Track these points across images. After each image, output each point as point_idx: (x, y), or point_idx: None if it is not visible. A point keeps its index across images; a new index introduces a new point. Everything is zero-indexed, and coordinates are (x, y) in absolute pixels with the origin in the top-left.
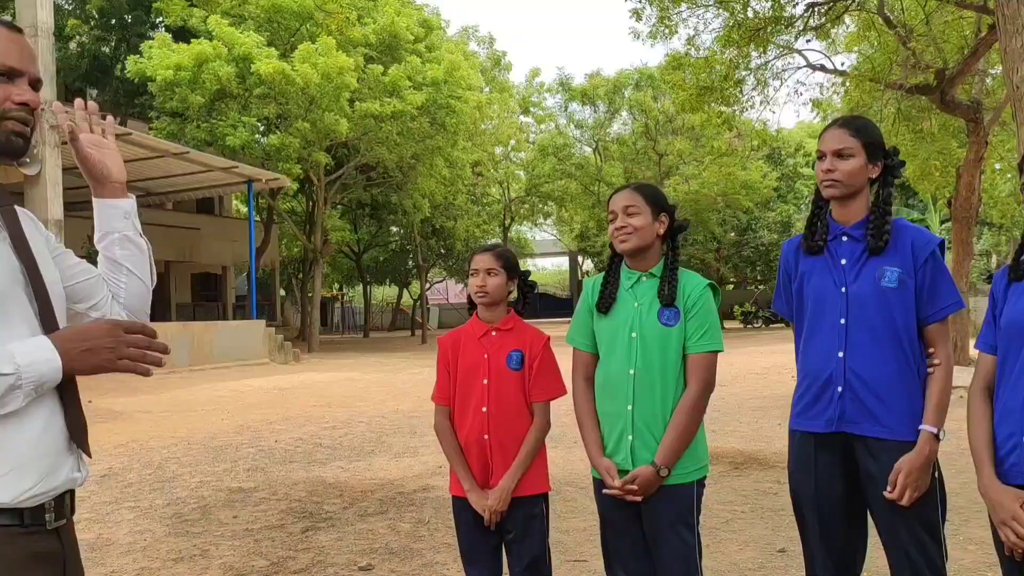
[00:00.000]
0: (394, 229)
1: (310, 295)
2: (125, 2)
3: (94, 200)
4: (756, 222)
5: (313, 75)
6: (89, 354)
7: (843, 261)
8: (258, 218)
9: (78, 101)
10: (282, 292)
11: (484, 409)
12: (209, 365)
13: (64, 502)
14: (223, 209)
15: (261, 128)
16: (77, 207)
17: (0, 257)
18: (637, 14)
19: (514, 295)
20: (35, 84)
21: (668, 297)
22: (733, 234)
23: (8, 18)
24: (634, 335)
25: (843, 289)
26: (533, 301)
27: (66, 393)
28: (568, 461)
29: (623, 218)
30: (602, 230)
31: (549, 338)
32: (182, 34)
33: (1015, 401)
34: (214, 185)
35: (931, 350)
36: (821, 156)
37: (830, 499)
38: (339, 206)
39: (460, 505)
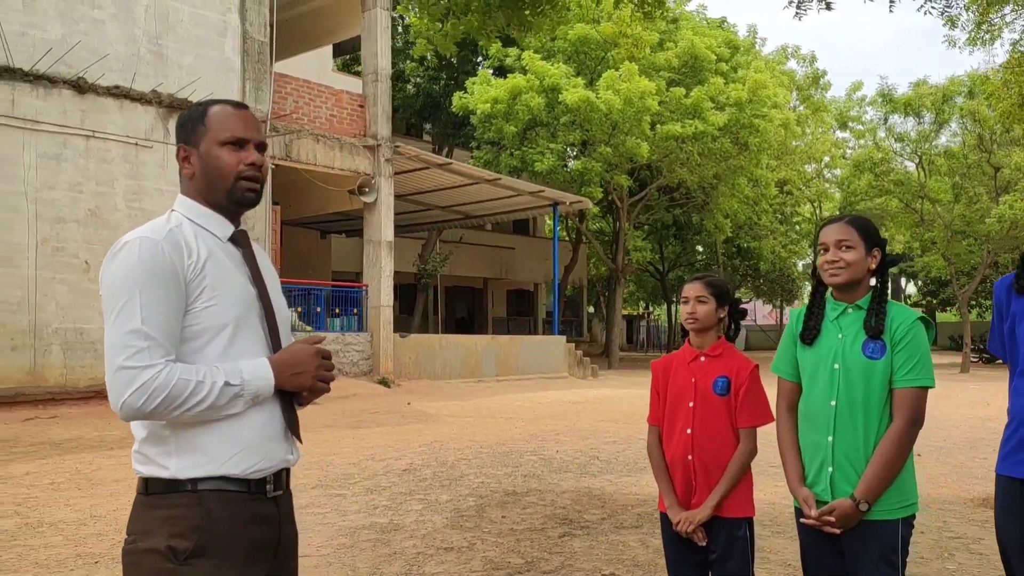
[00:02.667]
0: (699, 249)
1: (613, 313)
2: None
3: None
4: None
5: (615, 101)
6: (297, 376)
7: None
8: (567, 238)
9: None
10: (590, 309)
11: (689, 431)
12: (513, 376)
13: (281, 477)
14: (536, 230)
15: (571, 153)
16: (405, 229)
17: (240, 288)
18: (951, 21)
19: (724, 322)
20: (260, 147)
21: (875, 330)
22: None
23: (237, 99)
24: (837, 367)
25: None
26: None
27: (283, 397)
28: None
29: (835, 252)
30: (926, 251)
31: (757, 366)
32: (501, 71)
33: None
34: (523, 208)
35: None
36: None
37: None
38: (644, 226)
39: (666, 521)
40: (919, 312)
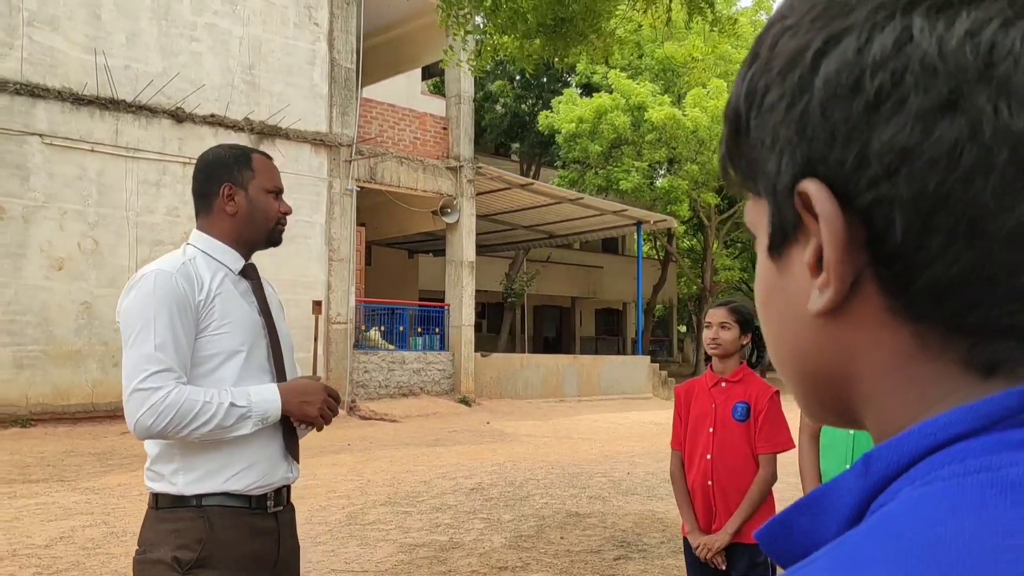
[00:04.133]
0: None
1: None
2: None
3: None
4: None
5: (703, 118)
6: (304, 405)
7: None
8: (656, 256)
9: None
10: (682, 328)
11: (708, 456)
12: (595, 396)
13: (281, 494)
14: (625, 248)
15: (658, 171)
16: (487, 249)
17: (248, 318)
18: None
19: (747, 349)
20: (281, 193)
21: None
22: None
23: (263, 150)
24: None
25: None
26: None
27: (284, 421)
28: None
29: None
30: None
31: (777, 392)
32: (588, 89)
33: None
34: (607, 228)
35: None
36: None
37: None
38: (738, 243)
39: (688, 545)
40: None
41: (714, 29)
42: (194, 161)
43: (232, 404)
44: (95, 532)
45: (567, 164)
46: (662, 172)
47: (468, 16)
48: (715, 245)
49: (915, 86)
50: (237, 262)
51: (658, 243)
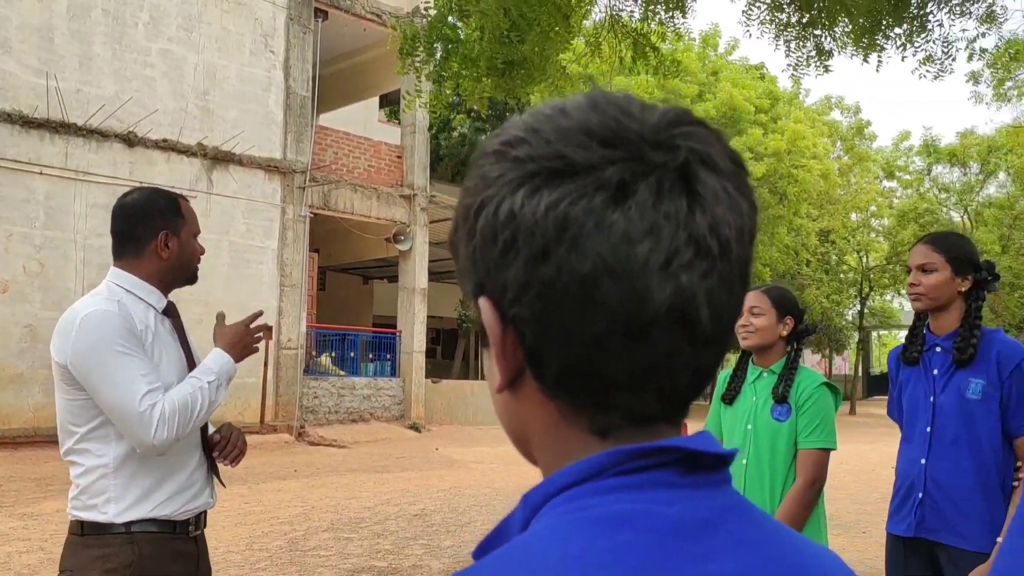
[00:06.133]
0: None
1: None
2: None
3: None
4: None
5: None
6: (243, 349)
7: (935, 371)
8: None
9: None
10: None
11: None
12: None
13: (200, 519)
14: None
15: None
16: (443, 276)
17: (173, 353)
18: (974, 77)
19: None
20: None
21: (780, 395)
22: None
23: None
24: (749, 427)
25: (931, 399)
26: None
27: (207, 447)
28: None
29: (747, 317)
30: None
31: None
32: None
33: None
34: None
35: (1019, 463)
36: (908, 270)
37: None
38: None
39: None
40: (823, 378)
41: (658, 73)
42: (144, 185)
43: (208, 383)
44: (32, 559)
45: None
46: None
47: (423, 63)
48: None
49: (524, 241)
50: (160, 301)
51: None
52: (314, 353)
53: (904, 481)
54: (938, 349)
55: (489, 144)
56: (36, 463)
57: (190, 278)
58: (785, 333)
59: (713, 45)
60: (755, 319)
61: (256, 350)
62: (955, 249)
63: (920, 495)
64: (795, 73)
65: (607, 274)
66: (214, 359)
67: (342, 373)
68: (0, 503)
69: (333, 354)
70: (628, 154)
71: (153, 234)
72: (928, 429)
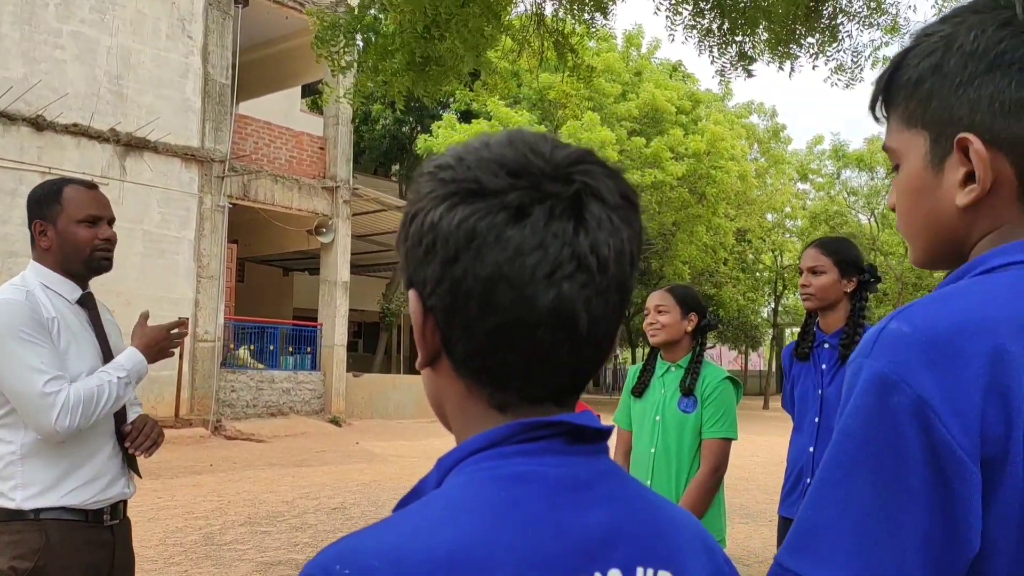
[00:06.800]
0: None
1: None
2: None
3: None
4: None
5: None
6: (158, 352)
7: (823, 366)
8: None
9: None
10: None
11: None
12: None
13: (118, 508)
14: None
15: None
16: (365, 268)
17: (88, 344)
18: None
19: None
20: (111, 222)
21: (687, 388)
22: None
23: (89, 179)
24: (658, 419)
25: (820, 391)
26: None
27: (121, 438)
28: None
29: (654, 315)
30: (879, 303)
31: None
32: (467, 116)
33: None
34: None
35: None
36: (800, 272)
37: None
38: None
39: None
40: (727, 372)
41: (572, 75)
42: (53, 171)
43: (118, 379)
44: None
45: None
46: None
47: (341, 53)
48: None
49: (440, 246)
50: (74, 291)
51: None
52: (232, 346)
53: (794, 468)
54: (826, 345)
55: (427, 166)
56: None
57: (90, 267)
58: (690, 328)
59: (636, 45)
60: (661, 316)
61: (172, 354)
62: (841, 252)
63: (808, 480)
64: (723, 78)
65: (503, 279)
66: (128, 357)
67: (261, 366)
68: None
69: (252, 347)
70: (529, 183)
71: (31, 225)
72: (816, 420)
